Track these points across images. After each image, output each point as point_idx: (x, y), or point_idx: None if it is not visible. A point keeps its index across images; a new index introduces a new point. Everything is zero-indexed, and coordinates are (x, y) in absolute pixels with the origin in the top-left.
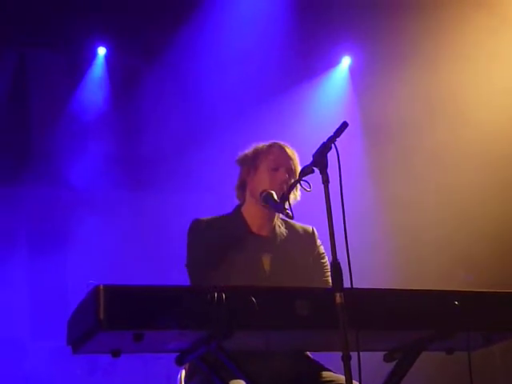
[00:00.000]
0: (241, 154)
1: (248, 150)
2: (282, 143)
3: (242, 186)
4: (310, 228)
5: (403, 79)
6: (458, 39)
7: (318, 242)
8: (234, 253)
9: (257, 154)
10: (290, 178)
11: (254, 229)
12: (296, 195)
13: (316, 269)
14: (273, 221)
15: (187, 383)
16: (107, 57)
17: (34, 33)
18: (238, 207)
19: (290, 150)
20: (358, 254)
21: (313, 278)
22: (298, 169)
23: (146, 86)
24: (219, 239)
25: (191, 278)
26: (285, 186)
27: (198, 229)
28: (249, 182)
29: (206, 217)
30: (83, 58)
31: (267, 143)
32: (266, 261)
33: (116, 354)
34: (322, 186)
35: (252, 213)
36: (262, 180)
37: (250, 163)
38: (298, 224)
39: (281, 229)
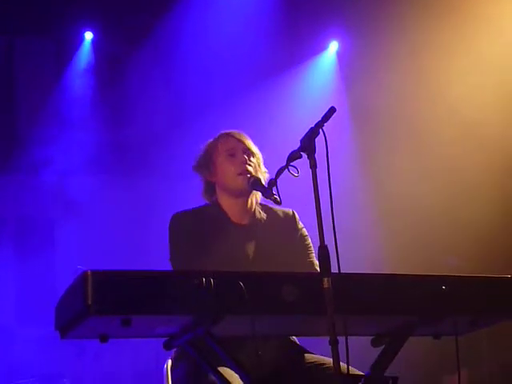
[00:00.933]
0: (194, 161)
1: (199, 154)
2: (225, 131)
3: (208, 189)
4: (290, 211)
5: (391, 65)
6: (447, 27)
7: (300, 224)
8: (217, 244)
9: (208, 151)
10: (249, 158)
11: (234, 218)
12: (264, 177)
13: (300, 251)
14: (251, 208)
15: (174, 368)
16: (94, 42)
17: (20, 19)
18: (216, 200)
19: (237, 134)
20: (346, 239)
21: (297, 261)
22: (253, 147)
23: (132, 71)
24: (200, 231)
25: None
26: (248, 167)
27: (178, 222)
28: (214, 179)
29: (185, 210)
30: (70, 43)
31: (215, 137)
32: (249, 249)
33: (104, 338)
34: (310, 170)
35: (229, 204)
36: (225, 170)
37: (207, 163)
38: (277, 208)
39: (261, 215)
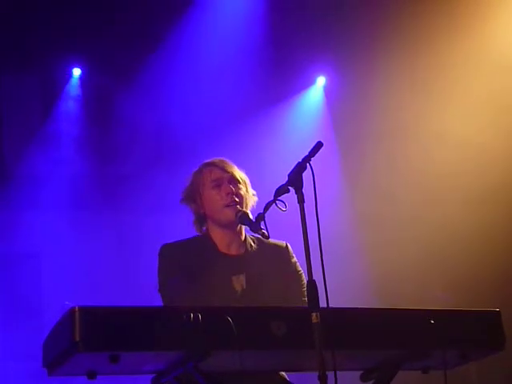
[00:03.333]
0: (181, 193)
1: (185, 186)
2: (208, 161)
3: (198, 219)
4: (283, 244)
5: (378, 99)
6: (435, 66)
7: (293, 257)
8: (205, 275)
9: (193, 183)
10: (235, 187)
11: (224, 249)
12: (254, 200)
13: (290, 284)
14: (241, 239)
15: None
16: (82, 78)
17: (5, 54)
18: (206, 230)
19: (220, 162)
20: (334, 272)
21: (287, 295)
22: (238, 174)
23: (120, 106)
24: (189, 262)
25: (164, 303)
26: (235, 197)
27: (167, 253)
28: (202, 211)
29: (174, 241)
30: (57, 79)
31: (196, 169)
32: (237, 282)
33: (92, 375)
34: (298, 205)
35: (218, 234)
36: (212, 202)
37: (193, 195)
38: (270, 240)
39: (252, 247)
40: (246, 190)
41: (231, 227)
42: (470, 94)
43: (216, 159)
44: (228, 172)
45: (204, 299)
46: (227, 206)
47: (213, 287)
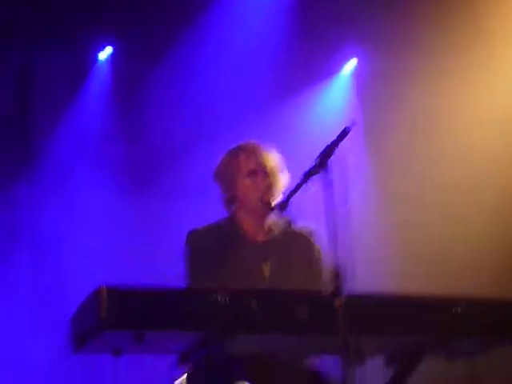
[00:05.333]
0: (215, 169)
1: (219, 165)
2: (244, 145)
3: (228, 200)
4: (308, 228)
5: (411, 85)
6: (473, 49)
7: (317, 243)
8: (233, 262)
9: (228, 166)
10: (271, 178)
11: (250, 235)
12: (286, 179)
13: (314, 270)
14: (269, 225)
15: None
16: (112, 57)
17: (36, 34)
18: (234, 212)
19: (256, 149)
20: (361, 256)
21: (311, 281)
22: (273, 161)
23: (150, 86)
24: (216, 249)
25: None
26: (269, 192)
27: (194, 241)
28: (234, 194)
29: (201, 226)
30: (88, 57)
31: (232, 151)
32: (266, 268)
33: (117, 353)
34: (325, 188)
35: (246, 220)
36: (246, 191)
37: (227, 177)
38: (296, 225)
39: (278, 231)
40: (279, 178)
41: (260, 215)
42: None
43: (252, 144)
44: (264, 163)
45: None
46: (262, 201)
47: (241, 274)
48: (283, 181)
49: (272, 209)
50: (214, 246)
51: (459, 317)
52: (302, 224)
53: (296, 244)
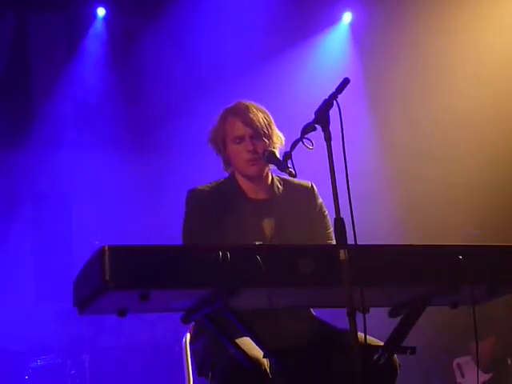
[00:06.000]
0: (208, 134)
1: (211, 130)
2: (232, 107)
3: (224, 162)
4: (308, 184)
5: (405, 36)
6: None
7: (318, 197)
8: (233, 221)
9: (218, 130)
10: (258, 142)
11: (251, 194)
12: (281, 141)
13: (318, 225)
14: (268, 182)
15: (193, 342)
16: (106, 17)
17: None
18: (233, 173)
19: (243, 111)
20: (362, 210)
21: (315, 236)
22: (261, 123)
23: (145, 45)
24: (216, 208)
25: None
26: (255, 155)
27: (194, 199)
28: (225, 157)
29: (202, 185)
30: (83, 19)
31: (221, 114)
32: (267, 226)
33: (122, 313)
34: (325, 143)
35: (245, 183)
36: (236, 156)
37: (218, 142)
38: (296, 181)
39: (279, 189)
40: (270, 139)
41: (256, 178)
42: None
43: (239, 105)
44: (250, 126)
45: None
46: (251, 163)
47: (242, 233)
48: (274, 140)
49: (266, 154)
50: (214, 204)
51: (463, 264)
52: (302, 180)
53: (298, 199)
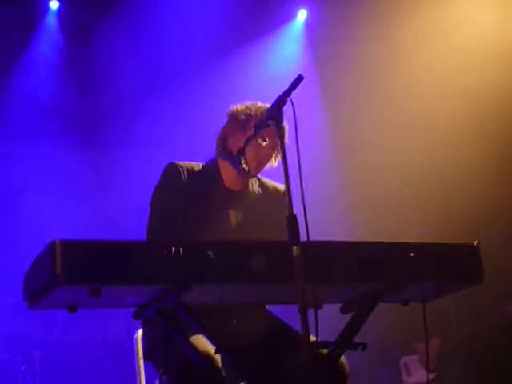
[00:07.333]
0: (234, 108)
1: (241, 110)
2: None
3: (223, 140)
4: (282, 187)
5: (359, 33)
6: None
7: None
8: (203, 204)
9: (249, 120)
10: (272, 153)
11: (227, 183)
12: (273, 163)
13: (283, 230)
14: (247, 177)
15: (144, 338)
16: (59, 10)
17: None
18: (216, 159)
19: (284, 129)
20: (314, 208)
21: (277, 239)
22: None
23: (99, 39)
24: (190, 189)
25: (152, 221)
26: (264, 162)
27: (172, 172)
28: (230, 140)
29: (183, 162)
30: (35, 11)
31: (262, 110)
32: (234, 216)
33: (73, 309)
34: (278, 140)
35: (227, 168)
36: (250, 145)
37: (239, 126)
38: (271, 183)
39: (254, 186)
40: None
41: (245, 176)
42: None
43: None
44: (277, 140)
45: (196, 226)
46: (257, 165)
47: (208, 217)
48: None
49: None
50: (191, 184)
51: (413, 261)
52: (277, 183)
53: (270, 198)
